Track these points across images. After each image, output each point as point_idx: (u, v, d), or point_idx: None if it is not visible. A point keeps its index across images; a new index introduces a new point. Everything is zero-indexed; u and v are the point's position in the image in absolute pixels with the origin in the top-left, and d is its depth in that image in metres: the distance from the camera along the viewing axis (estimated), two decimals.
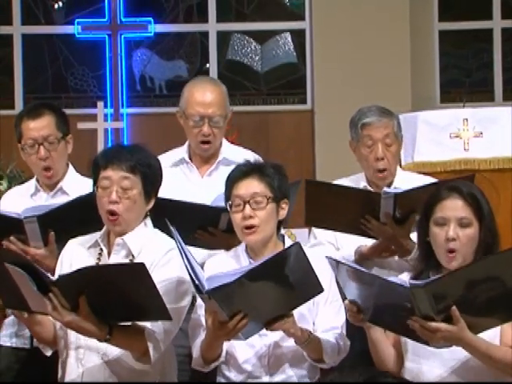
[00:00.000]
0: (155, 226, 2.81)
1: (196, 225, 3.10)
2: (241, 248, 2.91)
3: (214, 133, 3.36)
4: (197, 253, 2.91)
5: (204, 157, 3.43)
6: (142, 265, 2.46)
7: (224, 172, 3.41)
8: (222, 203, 3.09)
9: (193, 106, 3.36)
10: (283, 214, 2.86)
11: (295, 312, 2.69)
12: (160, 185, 2.82)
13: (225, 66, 7.56)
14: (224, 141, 3.51)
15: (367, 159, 3.33)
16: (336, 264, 2.62)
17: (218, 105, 3.37)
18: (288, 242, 2.90)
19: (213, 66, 7.51)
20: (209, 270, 2.82)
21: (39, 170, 3.32)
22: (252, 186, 2.81)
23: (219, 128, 3.38)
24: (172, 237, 2.69)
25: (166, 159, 3.37)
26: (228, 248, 3.12)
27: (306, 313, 2.81)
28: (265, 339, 2.79)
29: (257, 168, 2.85)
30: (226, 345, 2.79)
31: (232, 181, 2.86)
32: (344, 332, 2.85)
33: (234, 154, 3.47)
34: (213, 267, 2.84)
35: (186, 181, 3.38)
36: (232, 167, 3.41)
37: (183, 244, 2.59)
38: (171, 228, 2.62)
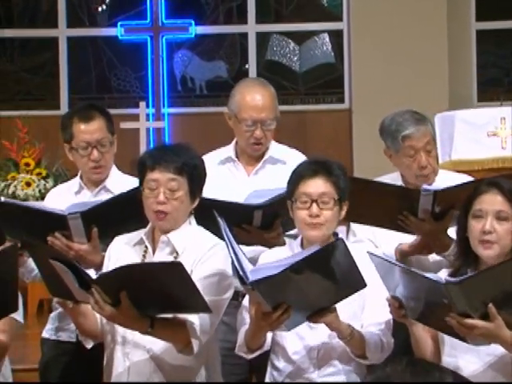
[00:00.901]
0: (198, 223, 2.83)
1: (231, 222, 3.10)
2: (296, 243, 2.90)
3: (265, 135, 3.36)
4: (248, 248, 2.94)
5: (252, 156, 3.43)
6: (180, 264, 2.47)
7: (270, 170, 3.41)
8: (255, 200, 3.09)
9: (246, 110, 3.33)
10: (343, 214, 2.86)
11: (347, 309, 2.68)
12: (204, 184, 2.82)
13: (264, 67, 7.56)
14: (272, 141, 3.51)
15: (410, 167, 3.32)
16: (378, 260, 2.61)
17: (269, 108, 3.35)
18: (350, 238, 2.90)
19: (252, 66, 7.51)
20: (262, 262, 2.83)
21: (89, 170, 3.34)
22: (320, 186, 2.78)
23: (271, 131, 3.38)
24: (215, 232, 2.71)
25: (213, 157, 3.37)
26: (264, 244, 3.13)
27: (358, 311, 2.79)
28: (315, 332, 2.76)
29: (325, 167, 2.81)
30: (276, 335, 2.79)
31: (299, 177, 2.82)
32: (389, 329, 2.81)
33: (280, 152, 3.47)
34: (266, 260, 2.84)
35: (232, 179, 3.37)
36: (278, 166, 3.42)
37: (230, 235, 2.60)
38: (219, 219, 2.63)
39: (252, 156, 3.42)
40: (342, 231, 2.82)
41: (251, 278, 2.48)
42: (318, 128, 7.36)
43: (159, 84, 7.29)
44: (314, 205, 2.78)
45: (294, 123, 7.27)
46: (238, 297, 2.98)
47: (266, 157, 3.42)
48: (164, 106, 7.31)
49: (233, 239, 2.60)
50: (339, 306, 2.65)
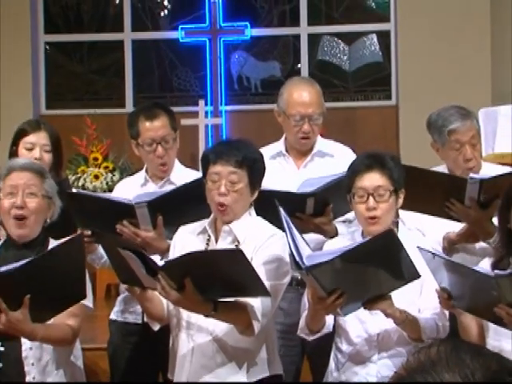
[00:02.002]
0: (257, 214, 2.84)
1: (286, 211, 3.11)
2: (357, 233, 2.89)
3: (313, 130, 3.36)
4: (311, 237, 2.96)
5: (301, 150, 3.43)
6: (240, 251, 2.49)
7: (319, 163, 3.41)
8: (307, 189, 3.09)
9: (293, 106, 3.34)
10: (400, 202, 2.85)
11: (404, 295, 2.65)
12: (263, 177, 2.83)
13: (315, 66, 7.54)
14: (319, 136, 3.51)
15: (456, 160, 3.29)
16: (427, 254, 2.59)
17: (316, 104, 3.36)
18: (401, 228, 2.88)
19: (304, 66, 7.49)
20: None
21: (155, 165, 3.37)
22: (375, 179, 2.77)
23: (318, 125, 3.38)
24: (272, 222, 2.72)
25: (265, 152, 3.38)
26: (316, 231, 3.12)
27: (415, 297, 2.77)
28: (375, 316, 2.75)
29: (379, 161, 2.80)
30: (338, 318, 2.79)
31: (355, 173, 2.81)
32: (445, 312, 2.78)
33: (328, 146, 3.46)
34: (329, 248, 2.84)
35: (283, 172, 3.37)
36: (326, 159, 3.41)
37: (289, 221, 2.61)
38: (279, 208, 2.64)
39: (300, 150, 3.42)
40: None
41: (306, 263, 2.49)
42: (366, 124, 7.31)
43: (217, 83, 7.31)
44: (371, 198, 2.77)
45: (344, 119, 7.24)
46: (291, 282, 2.99)
47: (314, 150, 3.42)
48: (221, 103, 7.33)
49: (292, 225, 2.61)
50: (396, 293, 2.63)
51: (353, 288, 2.55)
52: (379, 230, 2.75)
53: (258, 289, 2.55)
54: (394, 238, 2.52)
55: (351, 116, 7.35)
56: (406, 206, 3.24)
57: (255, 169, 2.76)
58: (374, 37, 7.53)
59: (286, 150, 3.44)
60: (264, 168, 2.84)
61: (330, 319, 2.79)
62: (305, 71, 7.42)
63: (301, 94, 3.36)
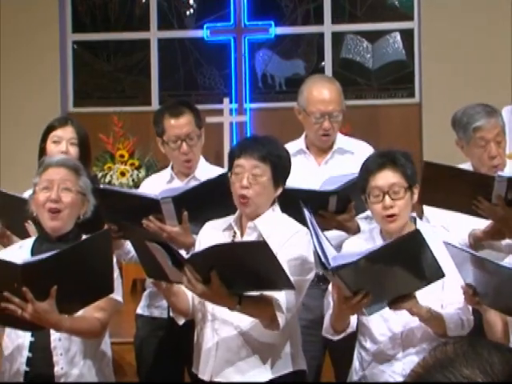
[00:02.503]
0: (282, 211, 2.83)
1: (308, 208, 3.11)
2: (376, 231, 2.88)
3: (333, 127, 3.36)
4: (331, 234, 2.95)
5: (321, 147, 3.43)
6: (264, 242, 2.48)
7: (339, 160, 3.41)
8: (330, 187, 3.09)
9: (314, 104, 3.34)
10: (415, 198, 2.83)
11: (427, 292, 2.64)
12: (288, 174, 2.83)
13: (339, 64, 7.52)
14: (338, 133, 3.50)
15: (481, 158, 3.27)
16: (453, 250, 2.57)
17: (336, 101, 3.35)
18: (419, 223, 2.87)
19: (328, 64, 7.47)
20: (345, 250, 2.82)
21: (180, 162, 3.38)
22: (389, 177, 2.76)
23: (338, 122, 3.38)
24: (297, 219, 2.72)
25: None
26: (339, 227, 3.12)
27: (438, 292, 2.75)
28: (398, 314, 2.73)
29: (391, 158, 2.79)
30: (361, 317, 2.78)
31: (368, 172, 2.80)
32: (469, 307, 2.77)
33: (348, 144, 3.46)
34: (349, 246, 2.84)
35: (303, 170, 3.36)
36: (346, 156, 3.41)
37: (314, 221, 2.61)
38: (303, 208, 2.64)
39: (321, 148, 3.42)
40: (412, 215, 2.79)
41: (332, 264, 2.48)
42: (389, 121, 7.28)
43: (242, 81, 7.32)
44: (387, 197, 2.75)
45: (367, 117, 7.22)
46: (314, 278, 2.98)
47: (334, 148, 3.41)
48: (246, 101, 7.33)
49: (316, 226, 2.61)
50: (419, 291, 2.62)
51: (378, 288, 2.54)
52: (398, 227, 2.74)
53: (283, 281, 2.54)
54: (420, 238, 2.50)
55: (374, 114, 7.32)
56: (432, 203, 3.22)
57: (279, 165, 2.76)
58: (398, 35, 7.50)
59: (307, 148, 3.44)
60: (289, 166, 2.83)
61: (353, 318, 2.78)
62: (328, 69, 7.41)
63: (321, 92, 3.36)
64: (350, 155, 3.40)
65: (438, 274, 2.57)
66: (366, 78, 7.50)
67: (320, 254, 2.51)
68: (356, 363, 2.89)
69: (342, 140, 3.46)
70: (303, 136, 3.48)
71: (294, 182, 3.07)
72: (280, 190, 2.80)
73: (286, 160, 2.81)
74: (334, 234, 3.07)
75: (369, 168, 2.81)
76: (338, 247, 2.84)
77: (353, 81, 7.43)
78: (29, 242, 2.90)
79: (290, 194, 2.84)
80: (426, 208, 3.34)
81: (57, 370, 2.76)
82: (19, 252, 2.81)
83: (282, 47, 7.53)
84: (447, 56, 6.97)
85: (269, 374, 2.73)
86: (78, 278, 2.61)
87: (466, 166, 3.37)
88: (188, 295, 2.78)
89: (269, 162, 2.73)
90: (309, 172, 3.36)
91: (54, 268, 2.55)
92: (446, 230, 3.24)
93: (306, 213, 2.63)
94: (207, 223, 2.91)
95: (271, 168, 2.74)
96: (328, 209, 3.12)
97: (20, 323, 2.60)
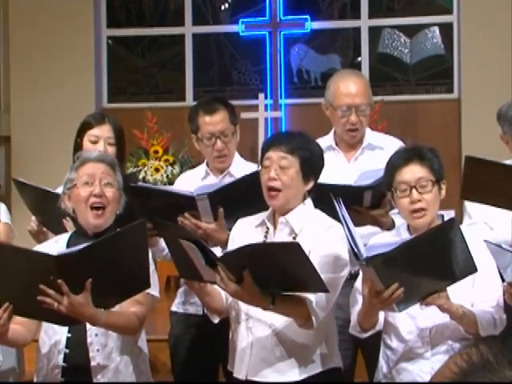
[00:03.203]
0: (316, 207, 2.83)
1: (344, 205, 3.10)
2: (403, 227, 2.87)
3: (360, 121, 3.35)
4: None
5: (350, 143, 3.42)
6: (297, 244, 2.47)
7: (369, 156, 3.39)
8: (364, 182, 3.08)
9: (340, 97, 3.34)
10: (443, 194, 2.81)
11: (457, 289, 2.63)
12: (320, 169, 2.83)
13: (376, 59, 7.49)
14: (367, 128, 3.49)
15: None
16: (494, 248, 2.56)
17: (363, 94, 3.35)
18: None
19: (364, 59, 7.44)
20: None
21: (214, 159, 3.40)
22: (415, 171, 2.76)
23: (365, 116, 3.37)
24: (331, 215, 2.72)
25: None
26: (374, 223, 3.11)
27: (468, 289, 2.73)
28: (426, 311, 2.72)
29: (417, 153, 2.79)
30: (388, 315, 2.76)
31: (394, 167, 2.80)
32: (501, 305, 2.74)
33: (377, 139, 3.45)
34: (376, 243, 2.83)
35: (333, 166, 3.33)
36: (376, 152, 3.39)
37: (346, 214, 2.60)
38: (334, 200, 2.64)
39: (350, 143, 3.41)
40: (450, 215, 2.77)
41: (365, 254, 2.48)
42: (427, 117, 7.23)
43: (277, 76, 7.32)
44: (414, 190, 2.74)
45: (405, 113, 7.18)
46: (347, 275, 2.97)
47: (364, 144, 3.40)
48: (281, 96, 7.33)
49: (348, 218, 2.60)
50: (449, 287, 2.61)
51: (410, 282, 2.52)
52: (426, 223, 2.73)
53: (316, 284, 2.53)
54: (456, 228, 2.49)
55: (412, 109, 7.28)
56: (473, 198, 3.19)
57: (308, 158, 2.76)
58: (436, 29, 7.44)
59: (336, 144, 3.43)
60: (322, 162, 2.83)
61: (381, 317, 2.77)
62: (365, 64, 7.38)
63: (347, 85, 3.36)
64: (380, 151, 3.39)
65: (471, 268, 2.55)
66: (403, 73, 7.46)
67: (353, 245, 2.50)
68: (382, 362, 2.87)
69: (371, 135, 3.45)
70: (332, 132, 3.48)
71: (323, 178, 3.06)
72: (311, 185, 2.79)
73: (317, 155, 2.81)
74: (364, 232, 3.06)
75: (395, 163, 2.80)
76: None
77: (390, 76, 7.40)
78: (64, 237, 2.92)
79: (323, 190, 2.84)
80: (467, 204, 3.31)
81: (94, 364, 2.78)
82: (55, 246, 2.83)
83: (317, 42, 7.52)
84: (487, 50, 6.90)
85: (304, 373, 2.73)
86: (113, 271, 2.60)
87: (511, 161, 3.34)
88: (222, 294, 2.79)
89: (297, 155, 2.74)
90: (339, 168, 3.35)
91: (88, 260, 2.54)
92: (489, 225, 3.21)
93: (337, 204, 2.62)
94: (240, 220, 2.92)
95: (300, 161, 2.74)
96: (363, 204, 3.12)
97: (56, 317, 2.61)
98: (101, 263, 2.57)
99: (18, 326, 2.75)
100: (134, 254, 2.65)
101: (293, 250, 2.49)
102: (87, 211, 2.80)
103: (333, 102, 3.36)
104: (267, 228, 2.81)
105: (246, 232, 2.84)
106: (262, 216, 2.84)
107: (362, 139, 3.42)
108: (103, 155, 2.93)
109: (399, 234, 2.84)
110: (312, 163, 2.79)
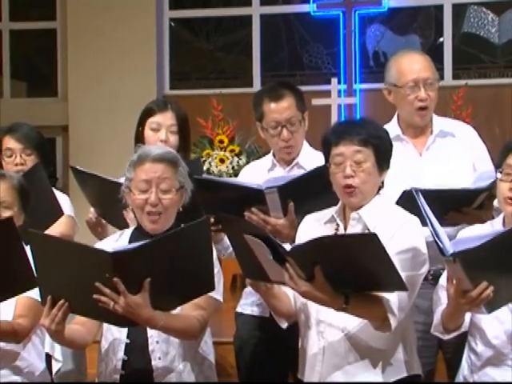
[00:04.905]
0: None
1: (454, 207, 3.08)
2: (498, 220, 2.82)
3: (430, 96, 3.29)
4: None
5: (419, 126, 3.35)
6: (374, 235, 2.41)
7: (441, 145, 3.32)
8: (482, 184, 3.03)
9: (406, 74, 3.29)
10: None
11: None
12: (391, 156, 2.78)
13: (460, 39, 7.37)
14: (433, 114, 3.42)
15: None
16: None
17: (428, 68, 3.31)
18: None
19: (447, 39, 7.33)
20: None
21: (280, 149, 3.38)
22: None
23: (434, 91, 3.31)
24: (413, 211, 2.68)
25: None
26: (473, 222, 3.06)
27: None
28: None
29: None
30: (474, 316, 2.72)
31: (508, 149, 2.75)
32: None
33: (448, 125, 3.39)
34: (466, 236, 2.78)
35: (403, 158, 3.22)
36: (448, 139, 3.33)
37: (427, 208, 2.56)
38: (415, 195, 2.60)
39: (418, 127, 3.34)
40: None
41: (452, 249, 2.43)
42: None
43: (351, 60, 7.27)
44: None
45: (491, 97, 7.05)
46: (426, 276, 2.89)
47: (435, 131, 3.34)
48: (356, 81, 7.29)
49: (431, 213, 2.55)
50: None
51: (500, 280, 2.46)
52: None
53: (394, 281, 2.48)
54: None
55: (500, 94, 7.15)
56: None
57: (381, 146, 2.72)
58: None
59: (403, 133, 3.37)
60: (391, 146, 2.78)
61: (467, 317, 2.72)
62: (448, 45, 7.28)
63: (411, 61, 3.32)
64: (452, 138, 3.33)
65: None
66: (490, 54, 7.33)
67: (437, 240, 2.45)
68: (465, 367, 2.83)
69: (440, 121, 3.39)
70: (395, 119, 3.41)
71: (394, 173, 2.98)
72: (385, 175, 2.75)
73: (388, 141, 2.77)
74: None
75: (508, 146, 2.76)
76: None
77: (476, 58, 7.28)
78: (126, 235, 2.94)
79: (432, 196, 2.76)
80: None
81: (156, 374, 2.79)
82: (116, 244, 2.86)
83: (395, 21, 7.45)
84: None
85: (380, 379, 2.70)
86: (174, 271, 2.59)
87: None
88: (290, 296, 2.77)
89: (371, 146, 2.69)
90: (410, 161, 3.28)
91: (147, 258, 2.53)
92: None
93: (418, 198, 2.58)
94: (307, 216, 2.88)
95: (374, 152, 2.70)
96: (472, 205, 3.08)
97: (114, 318, 2.61)
98: (160, 262, 2.56)
99: (78, 325, 2.78)
100: (196, 254, 2.63)
101: (370, 243, 2.42)
102: (143, 216, 2.83)
103: (397, 82, 3.31)
104: (337, 225, 2.78)
105: (314, 229, 2.80)
106: (331, 211, 2.81)
107: (430, 127, 3.35)
108: (163, 153, 2.89)
109: (493, 227, 2.80)
110: (385, 151, 2.75)
